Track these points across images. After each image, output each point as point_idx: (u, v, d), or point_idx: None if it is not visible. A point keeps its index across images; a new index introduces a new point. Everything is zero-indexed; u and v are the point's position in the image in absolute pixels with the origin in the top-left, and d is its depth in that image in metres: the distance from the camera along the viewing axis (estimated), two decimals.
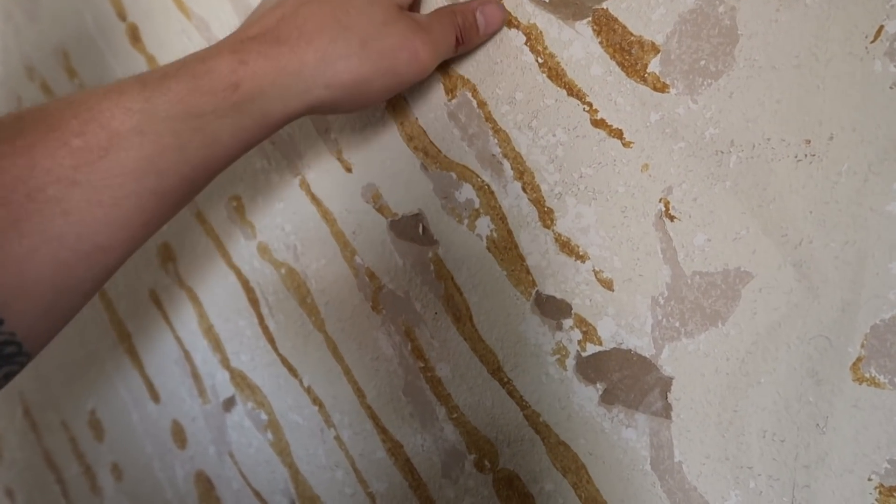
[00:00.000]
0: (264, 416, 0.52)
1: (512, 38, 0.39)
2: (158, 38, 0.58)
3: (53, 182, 0.25)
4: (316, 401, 0.49)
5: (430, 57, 0.35)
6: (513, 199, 0.39)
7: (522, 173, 0.38)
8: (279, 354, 0.51)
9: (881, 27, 0.29)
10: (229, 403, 0.54)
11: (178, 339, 0.58)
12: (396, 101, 0.43)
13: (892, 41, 0.29)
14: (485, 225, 0.40)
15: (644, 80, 0.35)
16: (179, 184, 0.29)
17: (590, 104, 0.36)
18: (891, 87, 0.29)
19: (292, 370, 0.50)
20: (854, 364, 0.29)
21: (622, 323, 0.35)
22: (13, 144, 0.25)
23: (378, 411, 0.45)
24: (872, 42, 0.29)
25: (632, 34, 0.35)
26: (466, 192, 0.40)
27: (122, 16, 0.60)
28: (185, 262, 0.56)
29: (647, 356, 0.35)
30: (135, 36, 0.59)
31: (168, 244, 0.58)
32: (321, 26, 0.32)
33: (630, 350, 0.35)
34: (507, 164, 0.39)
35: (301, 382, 0.50)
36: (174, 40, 0.56)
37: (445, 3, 0.40)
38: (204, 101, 0.28)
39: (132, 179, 0.27)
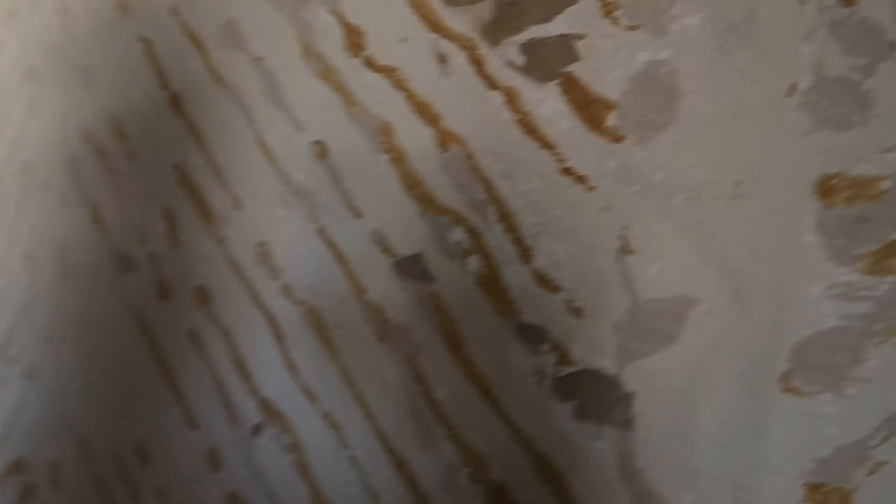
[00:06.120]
0: (288, 440, 0.57)
1: (494, 99, 0.44)
2: (197, 105, 0.65)
3: None
4: (333, 424, 0.54)
5: None
6: (497, 239, 0.44)
7: (504, 216, 0.44)
8: (301, 383, 0.56)
9: (795, 84, 0.34)
10: (258, 429, 0.60)
11: (213, 372, 0.64)
12: (398, 156, 0.49)
13: (804, 95, 0.34)
14: (474, 263, 0.45)
15: (603, 133, 0.40)
16: None
17: (559, 154, 0.42)
18: (803, 135, 0.34)
19: (313, 397, 0.55)
20: (782, 376, 0.33)
21: (591, 346, 0.40)
22: None
23: (386, 432, 0.50)
24: (789, 97, 0.34)
25: (592, 93, 0.40)
26: (458, 234, 0.46)
27: (164, 86, 0.68)
28: (219, 302, 0.63)
29: (612, 375, 0.39)
30: (176, 103, 0.67)
31: (204, 287, 0.64)
32: None
33: (598, 370, 0.40)
34: (491, 209, 0.44)
35: (321, 408, 0.55)
36: (211, 106, 0.64)
37: None
38: None
39: None
